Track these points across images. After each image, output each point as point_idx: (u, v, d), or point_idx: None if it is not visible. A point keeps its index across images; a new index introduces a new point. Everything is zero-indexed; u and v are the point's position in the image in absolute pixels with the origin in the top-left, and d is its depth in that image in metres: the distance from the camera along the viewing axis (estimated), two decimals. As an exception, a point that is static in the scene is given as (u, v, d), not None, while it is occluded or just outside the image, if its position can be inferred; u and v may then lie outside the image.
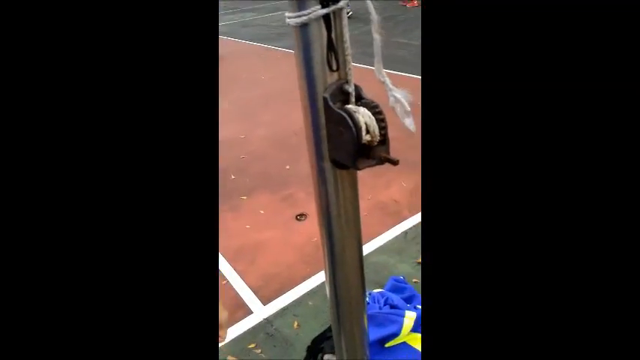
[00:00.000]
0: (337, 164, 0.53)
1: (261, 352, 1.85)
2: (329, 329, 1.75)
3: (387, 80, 0.49)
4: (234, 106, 4.71)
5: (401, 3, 9.71)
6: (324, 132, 0.52)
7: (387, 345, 1.59)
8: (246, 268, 2.36)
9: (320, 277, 2.22)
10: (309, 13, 0.45)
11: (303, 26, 0.46)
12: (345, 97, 0.50)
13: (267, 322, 2.00)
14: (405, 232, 2.51)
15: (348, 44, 0.47)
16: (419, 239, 2.42)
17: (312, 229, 2.61)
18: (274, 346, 1.87)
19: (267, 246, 2.52)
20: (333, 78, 0.49)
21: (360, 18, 6.81)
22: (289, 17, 0.46)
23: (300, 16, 0.45)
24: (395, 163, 0.48)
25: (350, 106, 0.49)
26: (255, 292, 2.18)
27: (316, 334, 1.76)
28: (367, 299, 1.67)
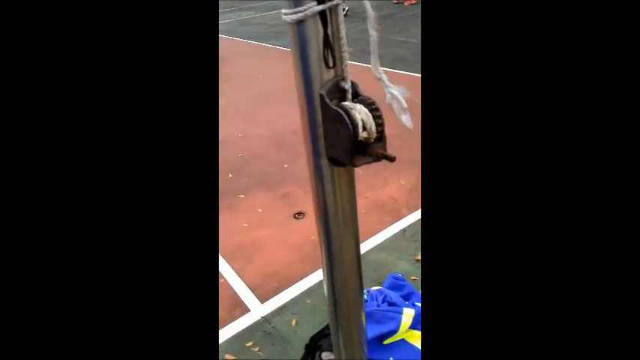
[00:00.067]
0: (334, 161, 0.53)
1: (259, 350, 1.84)
2: (327, 327, 1.75)
3: (384, 77, 0.49)
4: (232, 104, 4.70)
5: (395, 0, 9.65)
6: (321, 129, 0.51)
7: (385, 342, 1.59)
8: (244, 267, 2.35)
9: (318, 276, 2.22)
10: (305, 10, 0.44)
11: (300, 23, 0.46)
12: (341, 94, 0.50)
13: (265, 320, 2.00)
14: (404, 230, 2.51)
15: (344, 41, 0.47)
16: (417, 237, 2.43)
17: (310, 227, 2.61)
18: (272, 344, 1.87)
19: (265, 244, 2.52)
20: (329, 75, 0.49)
21: (357, 16, 6.79)
22: (285, 14, 0.46)
23: (296, 13, 0.45)
24: (392, 159, 0.48)
25: (347, 103, 0.49)
26: (253, 291, 2.18)
27: (314, 332, 1.76)
28: (365, 297, 1.67)
